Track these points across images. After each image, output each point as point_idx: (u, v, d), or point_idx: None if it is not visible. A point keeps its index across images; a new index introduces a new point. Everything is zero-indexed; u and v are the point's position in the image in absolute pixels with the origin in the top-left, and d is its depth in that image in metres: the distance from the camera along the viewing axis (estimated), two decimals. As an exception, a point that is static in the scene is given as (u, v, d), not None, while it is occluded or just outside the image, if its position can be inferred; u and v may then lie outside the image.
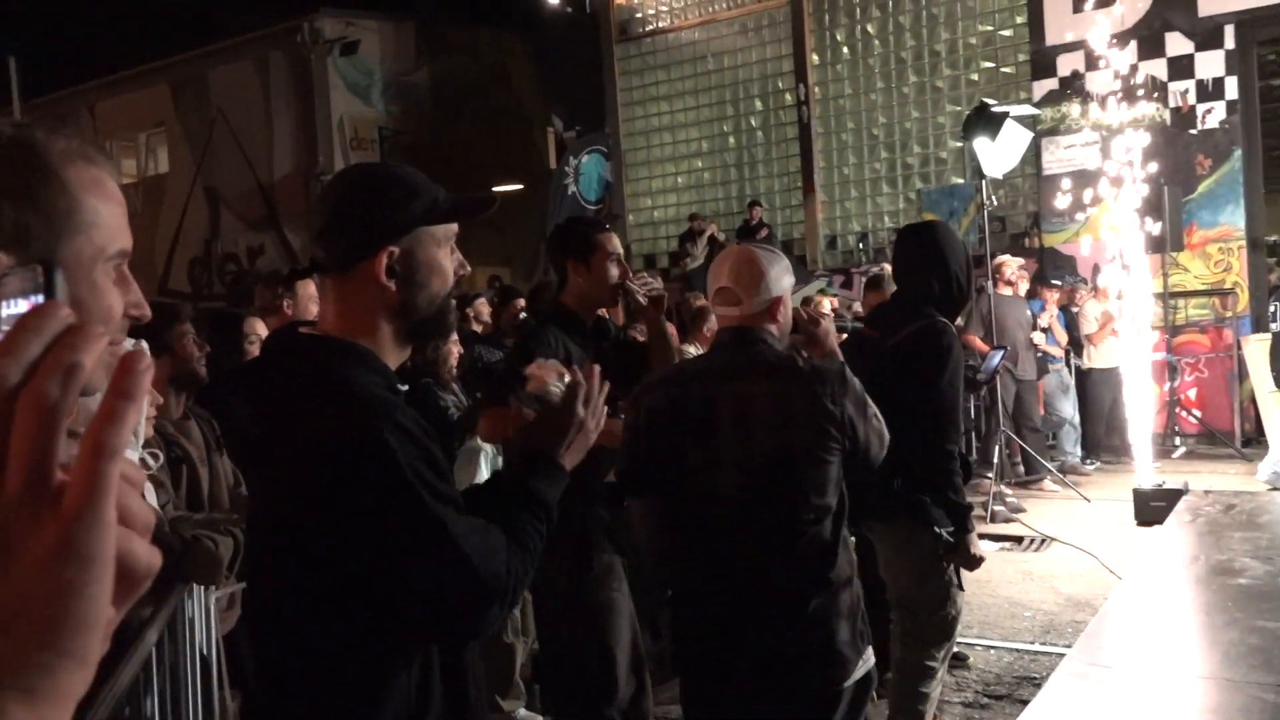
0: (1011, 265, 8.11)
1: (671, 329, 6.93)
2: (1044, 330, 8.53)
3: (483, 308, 7.18)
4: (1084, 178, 10.71)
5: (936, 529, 3.32)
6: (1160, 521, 5.98)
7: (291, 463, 1.41)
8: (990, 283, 7.75)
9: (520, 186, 15.34)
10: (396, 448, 1.37)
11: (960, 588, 3.41)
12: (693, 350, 5.90)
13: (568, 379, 1.63)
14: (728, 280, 2.41)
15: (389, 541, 1.37)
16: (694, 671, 2.43)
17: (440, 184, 1.57)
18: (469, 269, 1.61)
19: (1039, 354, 8.66)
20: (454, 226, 1.57)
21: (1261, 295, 10.07)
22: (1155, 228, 8.96)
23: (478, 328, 7.12)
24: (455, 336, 5.03)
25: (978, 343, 7.62)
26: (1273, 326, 7.37)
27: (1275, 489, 7.28)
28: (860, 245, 12.68)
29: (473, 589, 1.40)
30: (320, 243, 1.53)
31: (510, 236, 16.67)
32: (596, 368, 1.66)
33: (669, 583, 2.49)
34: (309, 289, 4.01)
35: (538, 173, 15.59)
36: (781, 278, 2.42)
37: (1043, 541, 6.52)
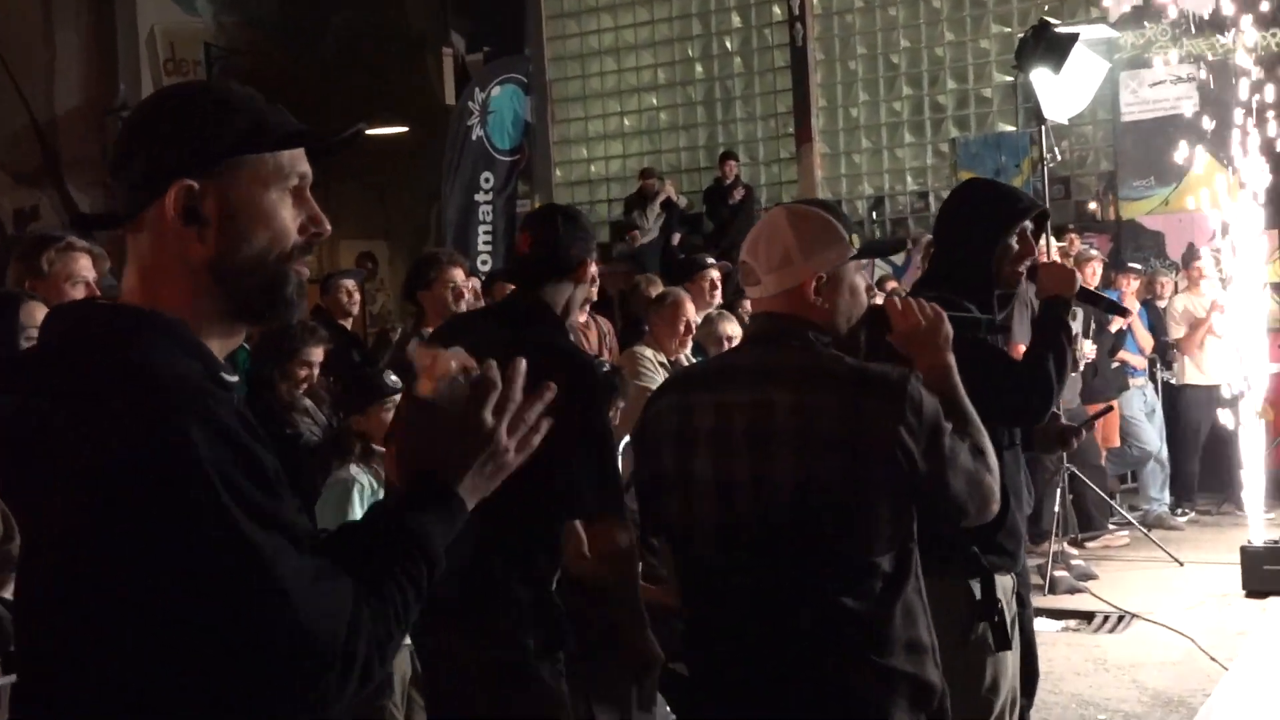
0: (1050, 247, 8.23)
1: (608, 327, 6.90)
2: (1107, 332, 8.66)
3: (343, 295, 7.13)
4: (1177, 127, 10.93)
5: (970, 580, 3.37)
6: (1278, 591, 6.13)
7: (67, 474, 1.40)
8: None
9: (404, 129, 15.25)
10: (202, 448, 1.37)
11: (1002, 646, 3.44)
12: (650, 354, 5.91)
13: (473, 373, 1.61)
14: (746, 253, 2.50)
15: (188, 578, 1.37)
16: None
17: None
18: (327, 228, 1.60)
19: (1116, 365, 8.82)
20: (295, 163, 1.57)
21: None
22: (1273, 195, 9.17)
23: (345, 321, 7.07)
24: (318, 350, 5.02)
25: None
26: None
27: None
28: (874, 214, 12.82)
29: (299, 650, 1.40)
30: (114, 185, 1.55)
31: (391, 198, 16.56)
32: (521, 362, 1.63)
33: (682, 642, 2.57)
34: (74, 264, 3.80)
35: (430, 110, 15.52)
36: (825, 248, 2.44)
37: (1121, 619, 6.63)
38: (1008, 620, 3.50)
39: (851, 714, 2.35)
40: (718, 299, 7.31)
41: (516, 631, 2.91)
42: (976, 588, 3.39)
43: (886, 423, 2.29)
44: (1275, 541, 6.98)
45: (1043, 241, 8.05)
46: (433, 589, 1.56)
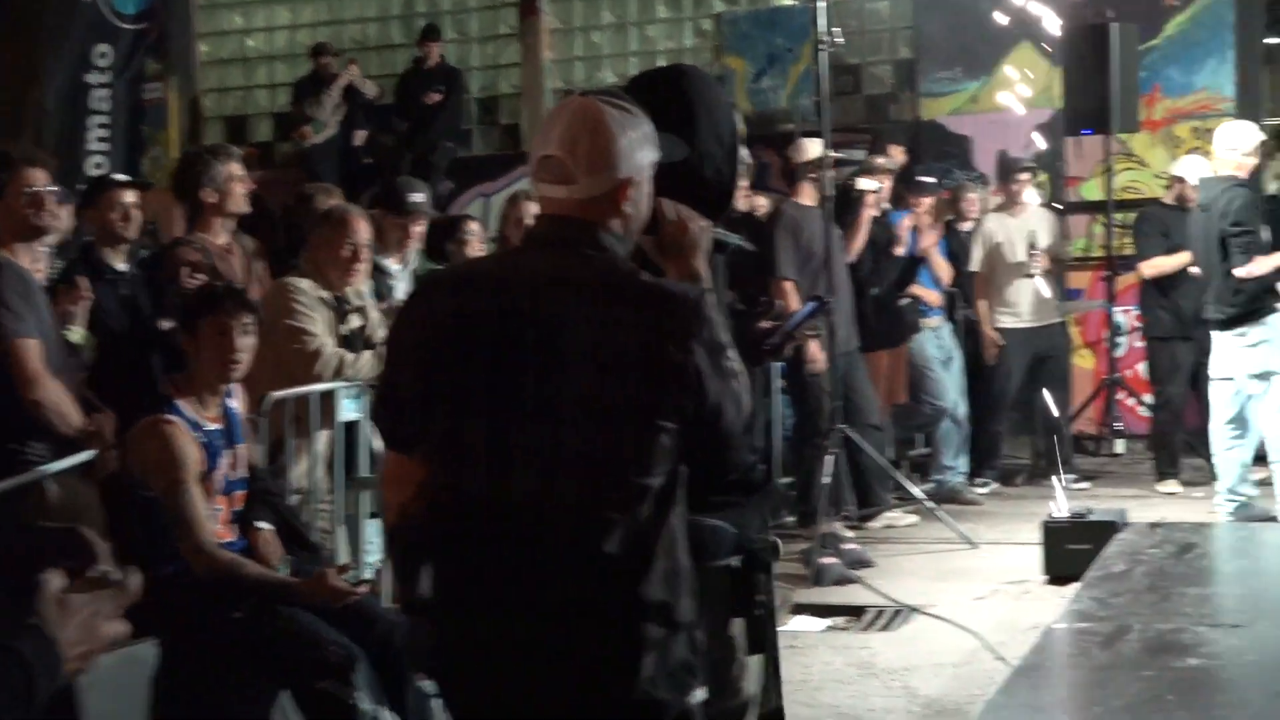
0: (808, 149, 8.50)
1: (254, 246, 6.87)
2: (894, 259, 9.09)
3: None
4: (989, 5, 11.40)
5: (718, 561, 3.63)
6: (1081, 574, 6.57)
7: None
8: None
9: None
10: None
11: (757, 647, 3.70)
12: (307, 286, 5.91)
13: None
14: (557, 146, 2.83)
15: None
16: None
17: None
18: None
19: (906, 300, 9.23)
20: None
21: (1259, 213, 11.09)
22: (1093, 94, 9.74)
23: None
24: None
25: (788, 292, 8.02)
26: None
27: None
28: (617, 110, 13.00)
29: None
30: None
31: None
32: None
33: (407, 578, 2.95)
34: None
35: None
36: (637, 150, 2.87)
37: (897, 614, 6.99)
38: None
39: (604, 648, 2.76)
40: (413, 245, 7.18)
41: None
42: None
43: (684, 342, 2.74)
44: (1080, 515, 7.48)
45: (814, 149, 8.38)
46: None
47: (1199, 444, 8.97)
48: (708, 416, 2.79)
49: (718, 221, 3.79)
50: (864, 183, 8.92)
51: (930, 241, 9.38)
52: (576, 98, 2.95)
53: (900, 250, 9.11)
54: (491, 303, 2.83)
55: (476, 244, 7.57)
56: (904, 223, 9.17)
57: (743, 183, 7.25)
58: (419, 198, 7.21)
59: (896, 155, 10.28)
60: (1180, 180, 9.13)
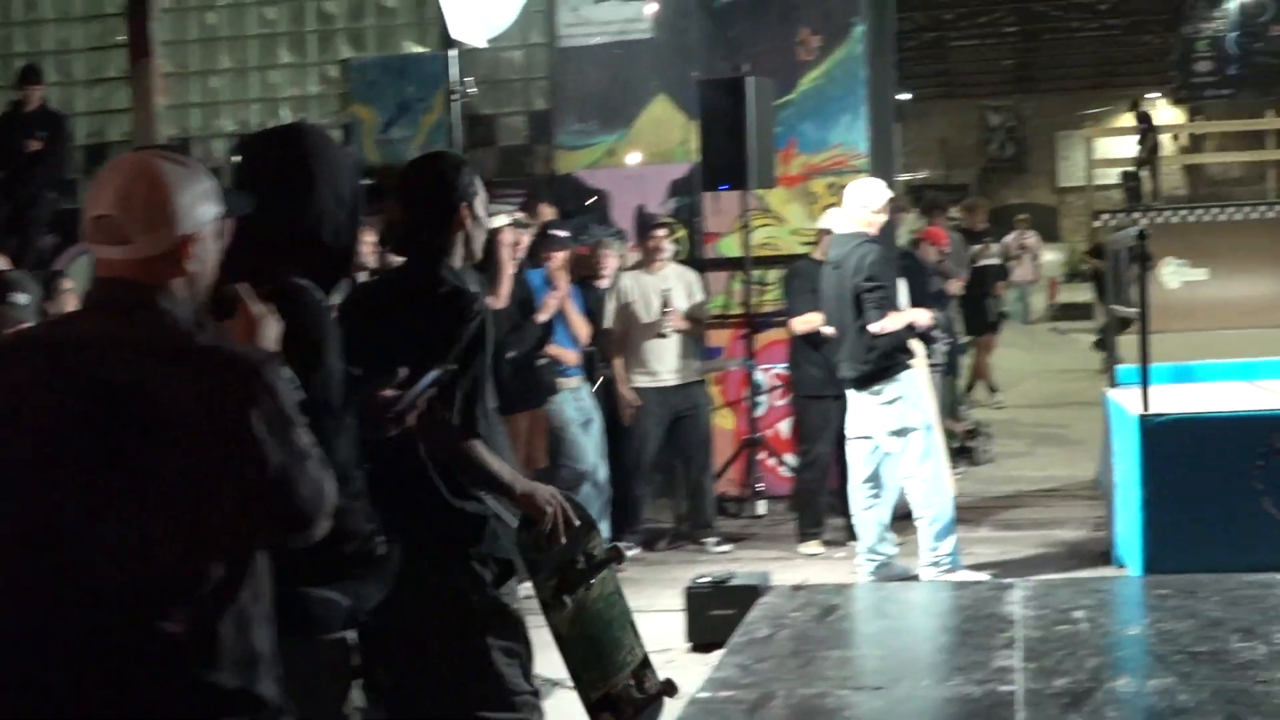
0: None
1: None
2: (532, 323, 9.09)
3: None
4: (626, 57, 11.65)
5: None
6: (725, 641, 6.68)
7: None
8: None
9: None
10: None
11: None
12: None
13: None
14: (111, 205, 2.81)
15: None
16: None
17: None
18: None
19: (544, 361, 9.24)
20: None
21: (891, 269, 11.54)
22: (730, 149, 10.00)
23: None
24: None
25: None
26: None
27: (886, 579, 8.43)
28: (235, 158, 12.73)
29: None
30: None
31: None
32: None
33: None
34: None
35: None
36: (197, 205, 2.88)
37: (535, 693, 6.97)
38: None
39: None
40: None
41: None
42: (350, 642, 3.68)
43: (239, 407, 2.72)
44: (722, 579, 7.61)
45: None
46: None
47: (840, 503, 9.22)
48: (273, 488, 2.75)
49: (338, 281, 3.77)
50: (494, 220, 8.89)
51: (561, 290, 9.30)
52: (130, 154, 3.01)
53: (543, 317, 9.08)
54: (42, 373, 2.77)
55: (73, 300, 7.38)
56: (549, 302, 9.10)
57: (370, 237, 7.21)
58: (23, 299, 6.95)
59: (546, 213, 10.32)
60: (828, 234, 9.34)
